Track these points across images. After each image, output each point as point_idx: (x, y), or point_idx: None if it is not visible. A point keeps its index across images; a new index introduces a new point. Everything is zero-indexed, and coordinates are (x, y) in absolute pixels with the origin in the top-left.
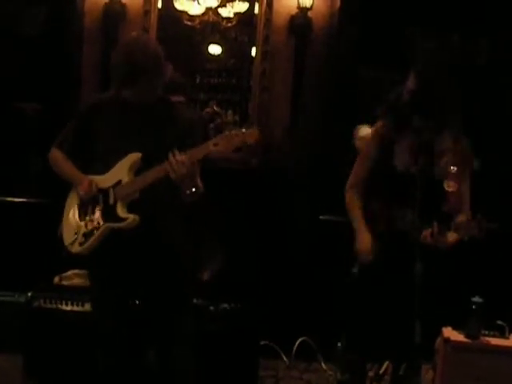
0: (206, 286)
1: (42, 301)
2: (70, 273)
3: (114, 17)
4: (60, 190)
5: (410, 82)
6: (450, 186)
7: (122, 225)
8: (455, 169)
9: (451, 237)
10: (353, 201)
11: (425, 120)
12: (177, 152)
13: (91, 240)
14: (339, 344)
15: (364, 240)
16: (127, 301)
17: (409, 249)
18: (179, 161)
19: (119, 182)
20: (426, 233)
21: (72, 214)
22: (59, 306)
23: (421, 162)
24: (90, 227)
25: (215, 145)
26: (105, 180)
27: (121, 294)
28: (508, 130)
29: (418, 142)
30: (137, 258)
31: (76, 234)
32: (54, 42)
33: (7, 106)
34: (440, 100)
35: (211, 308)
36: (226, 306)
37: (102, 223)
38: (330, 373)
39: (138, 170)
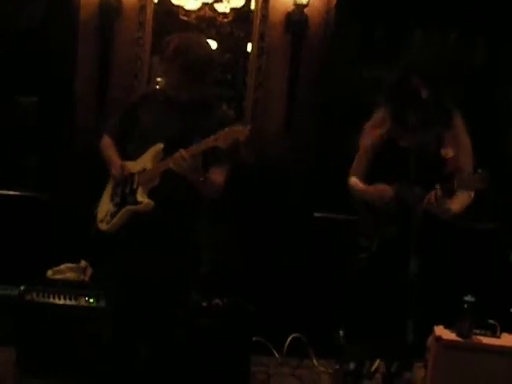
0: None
1: (34, 294)
2: (62, 266)
3: (109, 11)
4: (55, 184)
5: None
6: (447, 153)
7: (138, 207)
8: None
9: (454, 204)
10: (357, 181)
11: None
12: (184, 147)
13: (115, 219)
14: (340, 333)
15: (380, 186)
16: (136, 285)
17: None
18: (180, 156)
19: (144, 169)
20: (430, 196)
21: (106, 195)
22: (52, 299)
23: (419, 136)
24: (116, 208)
25: (215, 140)
26: (134, 166)
27: (132, 277)
28: (506, 130)
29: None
30: (153, 242)
31: (106, 213)
32: (50, 36)
33: (3, 99)
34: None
35: (204, 303)
36: (218, 301)
37: (124, 205)
38: (322, 369)
39: (161, 160)
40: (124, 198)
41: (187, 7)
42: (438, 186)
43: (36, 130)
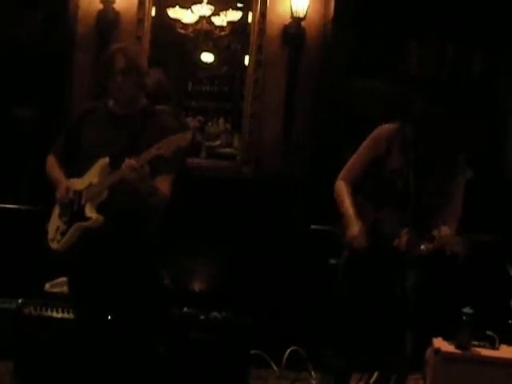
0: (196, 296)
1: (32, 308)
2: (60, 280)
3: (107, 24)
4: (50, 195)
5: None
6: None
7: (87, 224)
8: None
9: (425, 246)
10: (343, 189)
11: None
12: (132, 158)
13: (66, 238)
14: (325, 351)
15: (357, 225)
16: (101, 302)
17: (396, 255)
18: (129, 165)
19: (90, 185)
20: (401, 242)
21: (55, 212)
22: (49, 313)
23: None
24: (65, 226)
25: (158, 148)
26: (81, 182)
27: (94, 295)
28: (503, 142)
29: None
30: (107, 258)
31: (56, 231)
32: (47, 49)
33: (1, 112)
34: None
35: (202, 317)
36: (216, 314)
37: (73, 222)
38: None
39: (107, 174)
40: (73, 215)
41: (184, 20)
42: (405, 231)
43: (33, 142)
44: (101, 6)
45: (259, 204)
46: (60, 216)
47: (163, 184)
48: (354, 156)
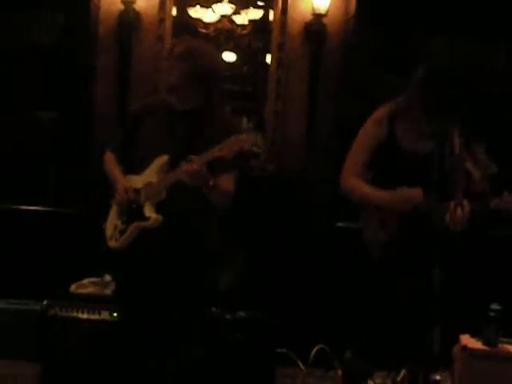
0: (223, 294)
1: (57, 309)
2: (85, 281)
3: (128, 25)
4: (77, 198)
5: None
6: (470, 167)
7: (146, 224)
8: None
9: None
10: (358, 182)
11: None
12: (190, 158)
13: (124, 237)
14: (348, 353)
15: (405, 191)
16: (149, 300)
17: (428, 247)
18: (191, 168)
19: (150, 183)
20: (455, 214)
21: (113, 211)
22: (75, 314)
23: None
24: (124, 225)
25: (220, 150)
26: (139, 180)
27: (145, 293)
28: None
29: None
30: (165, 258)
31: (115, 229)
32: (69, 51)
33: (24, 115)
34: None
35: (228, 316)
36: (242, 314)
37: (132, 221)
38: None
39: (167, 172)
40: (131, 214)
41: (206, 20)
42: (463, 202)
43: (56, 144)
44: (122, 7)
45: (283, 202)
46: (118, 214)
47: (227, 182)
48: (355, 147)
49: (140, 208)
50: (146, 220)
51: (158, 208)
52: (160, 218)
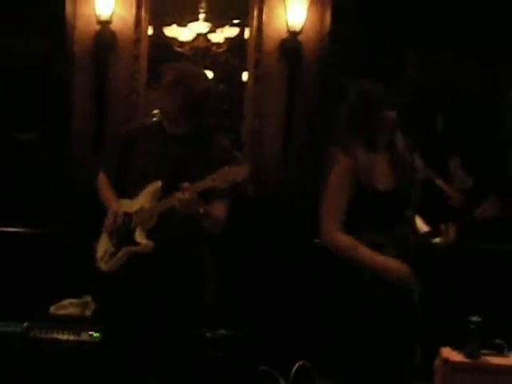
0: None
1: (37, 330)
2: (65, 302)
3: (104, 45)
4: (55, 220)
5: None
6: (441, 185)
7: (137, 249)
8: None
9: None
10: (349, 239)
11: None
12: (183, 186)
13: (114, 260)
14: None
15: (394, 262)
16: (138, 323)
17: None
18: (179, 198)
19: (142, 209)
20: (448, 237)
21: (105, 234)
22: (55, 335)
23: (404, 175)
24: (115, 248)
25: (213, 180)
26: (132, 205)
27: (134, 317)
28: (500, 150)
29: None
30: (155, 283)
31: (105, 251)
32: (46, 71)
33: (3, 137)
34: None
35: (208, 335)
36: (223, 332)
37: (122, 245)
38: None
39: (160, 198)
40: (122, 238)
41: (181, 39)
42: (449, 224)
43: (36, 165)
44: (98, 27)
45: (263, 220)
46: (110, 237)
47: (219, 209)
48: (332, 200)
49: (130, 232)
50: (137, 245)
51: (149, 234)
52: (150, 244)
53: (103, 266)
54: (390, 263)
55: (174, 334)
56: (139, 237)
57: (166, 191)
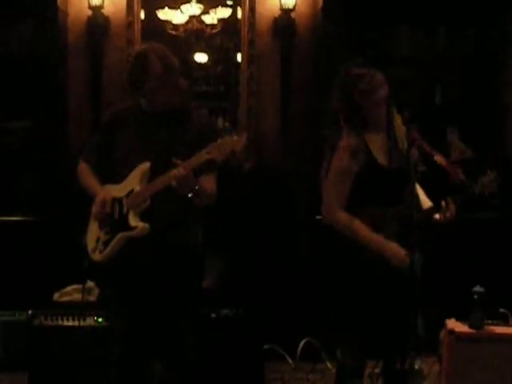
0: (207, 293)
1: (42, 318)
2: (69, 288)
3: (97, 30)
4: (54, 206)
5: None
6: (441, 160)
7: (132, 233)
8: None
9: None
10: (351, 218)
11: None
12: (179, 163)
13: (110, 248)
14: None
15: (390, 245)
16: (142, 309)
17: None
18: (175, 175)
19: (132, 191)
20: (450, 212)
21: (93, 222)
22: (60, 322)
23: (400, 153)
24: (108, 236)
25: (208, 153)
26: (120, 189)
27: (137, 302)
28: (497, 121)
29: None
30: (153, 265)
31: (97, 242)
32: (39, 60)
33: None
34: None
35: (213, 315)
36: (227, 312)
37: (116, 232)
38: None
39: (150, 179)
40: (115, 224)
41: (175, 21)
42: (448, 200)
43: (31, 153)
44: (90, 13)
45: (263, 197)
46: (100, 226)
47: (209, 183)
48: (333, 184)
49: (123, 217)
50: (132, 229)
51: (142, 217)
52: (147, 226)
53: (98, 257)
54: (385, 246)
55: (174, 316)
56: (133, 221)
57: (154, 172)
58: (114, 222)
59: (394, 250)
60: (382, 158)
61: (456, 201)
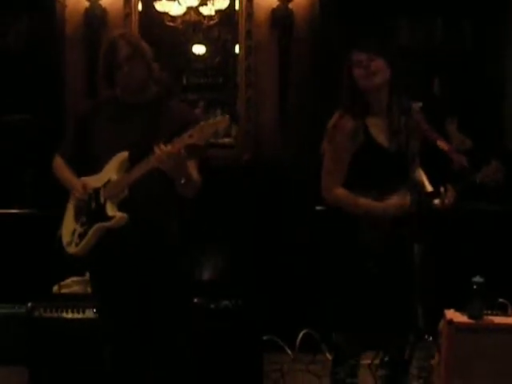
0: (205, 285)
1: (42, 310)
2: (69, 280)
3: (94, 22)
4: (54, 199)
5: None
6: (443, 146)
7: (110, 224)
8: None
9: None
10: (346, 193)
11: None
12: (162, 145)
13: (85, 240)
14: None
15: (390, 202)
16: (129, 300)
17: (407, 229)
18: (165, 152)
19: (109, 181)
20: (449, 200)
21: (68, 215)
22: (60, 314)
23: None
24: (84, 228)
25: (190, 136)
26: (97, 180)
27: (122, 294)
28: (494, 112)
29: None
30: (134, 257)
31: (73, 234)
32: (36, 51)
33: None
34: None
35: (212, 306)
36: (226, 303)
37: (93, 223)
38: None
39: (127, 169)
40: (91, 215)
41: (172, 13)
42: (448, 187)
43: (30, 146)
44: (87, 4)
45: (262, 189)
46: (76, 217)
47: (193, 170)
48: (331, 162)
49: (100, 208)
50: (109, 219)
51: (120, 207)
52: (124, 216)
53: (74, 250)
54: (386, 205)
55: (159, 308)
56: (110, 210)
57: (132, 162)
58: (91, 212)
59: (394, 202)
60: (382, 139)
61: (456, 188)
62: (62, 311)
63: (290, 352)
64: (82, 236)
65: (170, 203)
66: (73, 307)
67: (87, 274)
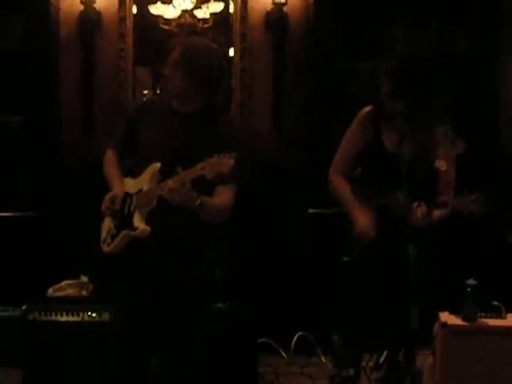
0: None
1: (36, 313)
2: (63, 283)
3: (89, 25)
4: (49, 202)
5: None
6: (442, 166)
7: (134, 233)
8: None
9: (435, 214)
10: (341, 183)
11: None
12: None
13: (115, 243)
14: (334, 338)
15: (363, 217)
16: (144, 307)
17: (401, 232)
18: (168, 187)
19: (140, 191)
20: (416, 215)
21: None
22: (54, 317)
23: (410, 144)
24: (116, 230)
25: (202, 169)
26: (134, 185)
27: (139, 299)
28: (491, 116)
29: (405, 130)
30: (157, 268)
31: (108, 233)
32: (31, 54)
33: None
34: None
35: (207, 308)
36: (220, 305)
37: (122, 228)
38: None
39: (160, 180)
40: (122, 220)
41: (167, 16)
42: (422, 204)
43: (24, 148)
44: (82, 7)
45: (256, 192)
46: (112, 218)
47: (223, 195)
48: (342, 145)
49: (130, 215)
50: (134, 230)
51: (148, 218)
52: (147, 229)
53: (105, 248)
54: (356, 215)
55: (176, 319)
56: (137, 221)
57: (168, 173)
58: (123, 217)
59: (364, 219)
60: (389, 144)
61: (430, 209)
62: (56, 314)
63: (284, 354)
64: (113, 237)
65: (195, 221)
66: (67, 310)
67: (81, 278)
